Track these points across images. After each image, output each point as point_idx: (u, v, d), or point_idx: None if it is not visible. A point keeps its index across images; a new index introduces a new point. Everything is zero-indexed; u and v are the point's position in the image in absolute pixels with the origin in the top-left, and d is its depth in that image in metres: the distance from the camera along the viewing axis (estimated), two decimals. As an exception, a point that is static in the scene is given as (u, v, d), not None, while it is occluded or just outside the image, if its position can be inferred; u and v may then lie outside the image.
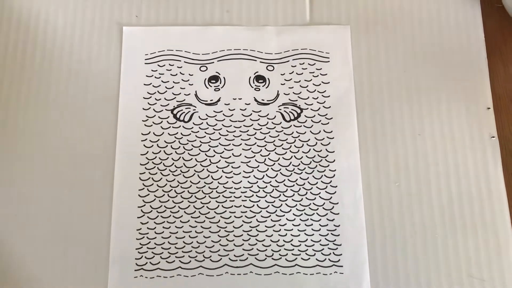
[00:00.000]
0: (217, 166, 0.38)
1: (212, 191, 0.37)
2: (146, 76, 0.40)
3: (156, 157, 0.38)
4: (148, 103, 0.39)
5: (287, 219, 0.37)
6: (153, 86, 0.40)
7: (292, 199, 0.38)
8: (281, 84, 0.40)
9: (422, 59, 0.41)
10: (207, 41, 0.41)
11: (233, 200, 0.37)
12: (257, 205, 0.38)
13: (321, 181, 0.38)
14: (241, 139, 0.38)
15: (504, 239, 0.37)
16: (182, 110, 0.39)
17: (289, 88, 0.40)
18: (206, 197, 0.37)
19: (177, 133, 0.39)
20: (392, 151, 0.39)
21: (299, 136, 0.39)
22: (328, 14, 0.42)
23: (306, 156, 0.38)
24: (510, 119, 0.40)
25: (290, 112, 0.39)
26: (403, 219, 0.37)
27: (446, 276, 0.37)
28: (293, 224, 0.37)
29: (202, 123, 0.39)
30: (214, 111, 0.39)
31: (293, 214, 0.37)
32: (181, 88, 0.40)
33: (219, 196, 0.37)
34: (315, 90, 0.40)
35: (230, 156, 0.38)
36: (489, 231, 0.38)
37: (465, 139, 0.39)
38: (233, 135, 0.38)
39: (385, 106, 0.40)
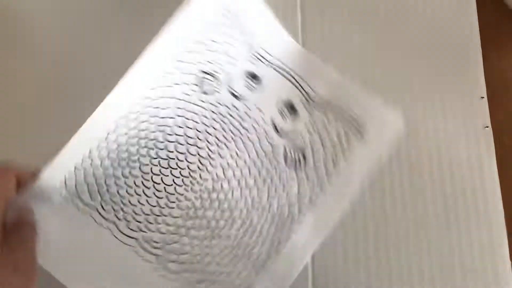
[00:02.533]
0: (197, 152, 0.36)
1: (177, 169, 0.35)
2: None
3: (157, 99, 0.36)
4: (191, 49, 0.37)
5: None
6: (212, 40, 0.37)
7: (240, 229, 0.36)
8: (305, 125, 0.38)
9: (415, 48, 0.40)
10: (277, 43, 0.39)
11: (187, 191, 0.35)
12: (205, 212, 0.35)
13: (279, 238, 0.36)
14: (236, 146, 0.37)
15: (497, 230, 0.37)
16: (208, 80, 0.37)
17: (309, 134, 0.37)
18: (167, 170, 0.35)
19: (189, 95, 0.37)
20: None
21: (286, 184, 0.37)
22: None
23: (280, 207, 0.36)
24: (504, 109, 0.40)
25: (294, 157, 0.37)
26: (395, 211, 0.38)
27: (439, 268, 0.37)
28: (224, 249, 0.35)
29: (217, 106, 0.37)
30: (233, 104, 0.37)
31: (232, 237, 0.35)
32: (223, 61, 0.38)
33: (179, 177, 0.35)
34: (331, 157, 0.37)
35: (215, 153, 0.36)
36: (483, 222, 0.38)
37: (458, 129, 0.39)
38: (232, 137, 0.37)
39: (377, 96, 0.39)
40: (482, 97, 0.39)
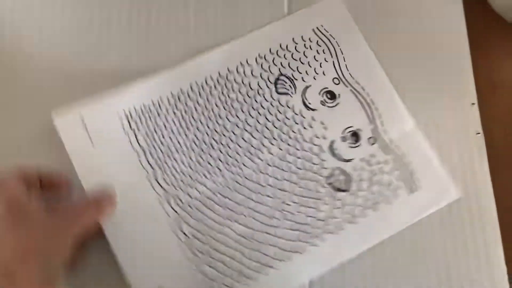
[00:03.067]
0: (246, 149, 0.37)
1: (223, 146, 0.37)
2: (301, 37, 0.40)
3: (231, 83, 0.39)
4: (277, 52, 0.40)
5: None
6: (295, 48, 0.40)
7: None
8: (362, 164, 0.38)
9: (404, 55, 0.39)
10: (364, 71, 0.40)
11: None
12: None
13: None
14: (295, 159, 0.37)
15: (492, 236, 0.37)
16: (285, 83, 0.39)
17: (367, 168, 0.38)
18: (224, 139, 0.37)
19: (262, 89, 0.39)
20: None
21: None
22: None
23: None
24: (495, 115, 0.39)
25: (341, 181, 0.37)
26: None
27: (435, 275, 0.36)
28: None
29: (284, 107, 0.38)
30: (301, 113, 0.38)
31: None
32: (306, 73, 0.39)
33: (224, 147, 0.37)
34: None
35: (264, 153, 0.37)
36: (477, 229, 0.37)
37: (450, 137, 0.38)
38: (287, 143, 0.38)
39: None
40: (473, 104, 0.39)
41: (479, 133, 0.39)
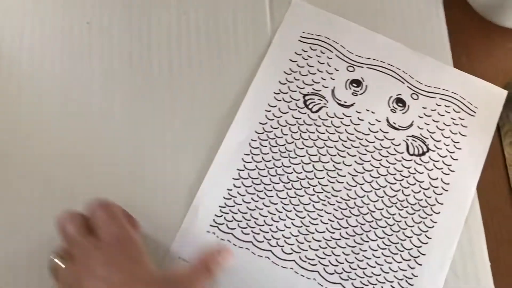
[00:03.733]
0: (324, 166, 0.38)
1: (310, 187, 0.38)
2: (295, 53, 0.40)
3: (272, 131, 0.38)
4: (286, 79, 0.39)
5: (369, 247, 0.36)
6: (297, 65, 0.39)
7: (383, 231, 0.37)
8: (419, 116, 0.39)
9: None
10: (365, 45, 0.40)
11: (326, 205, 0.37)
12: (347, 220, 0.37)
13: (418, 227, 0.37)
14: (358, 151, 0.38)
15: (475, 231, 0.37)
16: (314, 99, 0.39)
17: (425, 124, 0.39)
18: (302, 190, 0.37)
19: (300, 118, 0.38)
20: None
21: (415, 173, 0.38)
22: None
23: (414, 196, 0.37)
24: None
25: (416, 146, 0.39)
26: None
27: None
28: (373, 255, 0.36)
29: (328, 119, 0.38)
30: (343, 113, 0.39)
31: (378, 245, 0.36)
32: (322, 78, 0.39)
33: (314, 194, 0.38)
34: (449, 137, 0.39)
35: (340, 163, 0.38)
36: (463, 228, 0.37)
37: None
38: (352, 144, 0.38)
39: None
40: None
41: None
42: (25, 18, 0.42)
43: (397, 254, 0.36)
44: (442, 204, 0.37)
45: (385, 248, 0.37)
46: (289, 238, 0.37)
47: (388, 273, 0.36)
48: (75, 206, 0.32)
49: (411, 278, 0.36)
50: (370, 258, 0.36)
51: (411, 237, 0.37)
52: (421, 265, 0.36)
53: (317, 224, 0.37)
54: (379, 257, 0.36)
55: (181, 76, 0.41)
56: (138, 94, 0.40)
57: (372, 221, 0.37)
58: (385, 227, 0.37)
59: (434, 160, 0.38)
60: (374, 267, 0.36)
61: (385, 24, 0.42)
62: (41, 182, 0.38)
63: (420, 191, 0.38)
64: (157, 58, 0.41)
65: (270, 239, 0.36)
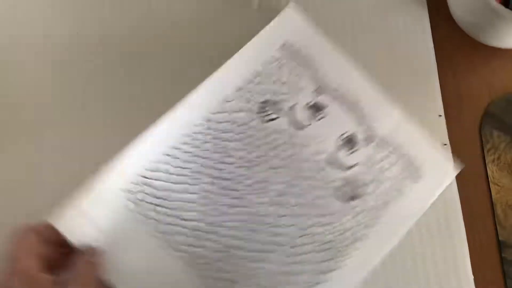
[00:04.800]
0: (253, 176, 0.37)
1: (233, 191, 0.37)
2: (272, 56, 0.39)
3: (221, 122, 0.38)
4: (254, 78, 0.39)
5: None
6: (269, 69, 0.39)
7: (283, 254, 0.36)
8: (363, 162, 0.38)
9: (372, 68, 0.39)
10: (341, 75, 0.39)
11: (240, 216, 0.36)
12: (253, 235, 0.36)
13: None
14: (290, 174, 0.38)
15: (459, 245, 0.38)
16: (269, 109, 0.39)
17: (366, 171, 0.38)
18: (223, 191, 0.37)
19: (251, 121, 0.38)
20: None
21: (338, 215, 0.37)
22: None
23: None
24: (461, 127, 0.41)
25: (347, 190, 0.38)
26: None
27: (405, 284, 0.38)
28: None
29: (274, 133, 0.38)
30: (291, 133, 0.38)
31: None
32: (286, 91, 0.39)
33: (235, 199, 0.37)
34: (386, 192, 0.38)
35: (268, 181, 0.37)
36: (445, 239, 0.38)
37: None
38: (287, 165, 0.38)
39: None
40: (440, 115, 0.40)
41: (445, 144, 0.40)
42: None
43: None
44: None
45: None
46: (191, 231, 0.35)
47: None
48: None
49: None
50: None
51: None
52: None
53: (222, 227, 0.36)
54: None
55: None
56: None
57: (277, 243, 0.36)
58: (289, 253, 0.35)
59: (360, 208, 0.37)
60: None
61: (371, 40, 0.42)
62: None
63: (335, 235, 0.36)
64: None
65: (172, 224, 0.35)
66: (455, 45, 0.43)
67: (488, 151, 0.40)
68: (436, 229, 0.39)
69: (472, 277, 0.37)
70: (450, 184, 0.38)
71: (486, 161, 0.40)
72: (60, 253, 0.33)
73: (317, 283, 0.35)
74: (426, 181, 0.37)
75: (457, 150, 0.40)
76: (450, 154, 0.39)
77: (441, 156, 0.38)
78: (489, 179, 0.39)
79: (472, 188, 0.39)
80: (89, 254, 0.33)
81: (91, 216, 0.34)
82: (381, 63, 0.42)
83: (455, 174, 0.37)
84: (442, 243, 0.38)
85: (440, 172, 0.37)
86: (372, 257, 0.36)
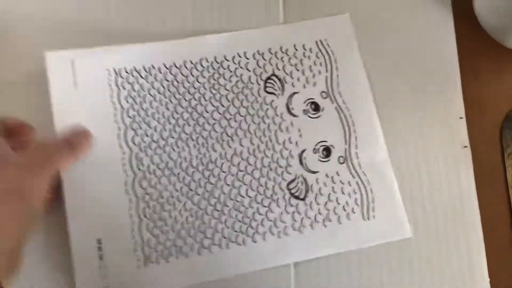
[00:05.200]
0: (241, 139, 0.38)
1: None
2: (303, 45, 0.40)
3: (225, 84, 0.39)
4: (278, 49, 0.40)
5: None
6: (295, 49, 0.40)
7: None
8: (325, 179, 0.38)
9: (394, 69, 0.41)
10: (352, 89, 0.40)
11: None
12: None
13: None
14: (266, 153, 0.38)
15: (476, 248, 0.38)
16: (274, 85, 0.39)
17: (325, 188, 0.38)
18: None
19: (254, 89, 0.39)
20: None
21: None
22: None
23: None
24: (482, 129, 0.40)
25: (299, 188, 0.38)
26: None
27: (419, 283, 0.37)
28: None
29: (269, 107, 0.39)
30: (282, 115, 0.39)
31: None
32: (300, 78, 0.39)
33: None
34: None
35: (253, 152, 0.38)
36: (461, 241, 0.38)
37: (437, 149, 0.39)
38: (265, 143, 0.38)
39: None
40: (461, 118, 0.40)
41: (466, 147, 0.40)
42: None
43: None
44: None
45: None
46: (150, 138, 0.37)
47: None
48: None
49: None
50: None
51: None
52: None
53: (173, 162, 0.37)
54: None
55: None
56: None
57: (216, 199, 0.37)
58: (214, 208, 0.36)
59: (301, 210, 0.37)
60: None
61: (395, 39, 0.42)
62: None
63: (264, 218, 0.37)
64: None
65: (136, 122, 0.37)
66: (479, 48, 0.42)
67: (508, 155, 0.39)
68: (453, 231, 0.38)
69: (488, 279, 0.37)
70: (469, 186, 0.39)
71: (506, 165, 0.39)
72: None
73: (220, 246, 0.35)
74: (374, 225, 0.37)
75: (477, 152, 0.40)
76: (470, 157, 0.40)
77: (402, 213, 0.37)
78: (508, 183, 0.39)
79: (491, 192, 0.39)
80: (74, 133, 0.33)
81: (75, 70, 0.36)
82: (404, 63, 0.42)
83: (407, 237, 0.37)
84: (459, 244, 0.38)
85: (392, 226, 0.37)
86: (277, 256, 0.36)
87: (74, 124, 0.35)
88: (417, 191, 0.38)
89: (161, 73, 0.38)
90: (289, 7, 0.41)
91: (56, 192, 0.34)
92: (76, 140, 0.33)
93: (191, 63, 0.38)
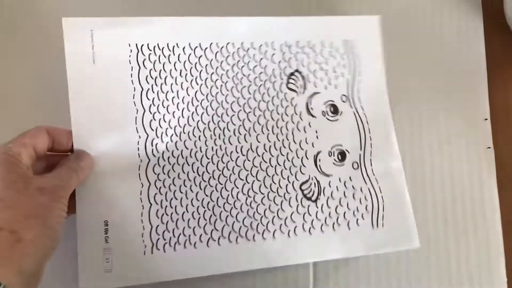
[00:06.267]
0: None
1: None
2: (331, 43, 0.40)
3: (251, 84, 0.38)
4: (306, 43, 0.39)
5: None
6: (332, 47, 0.40)
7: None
8: (338, 183, 0.38)
9: (423, 68, 0.42)
10: (372, 97, 0.40)
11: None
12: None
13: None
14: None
15: (495, 248, 0.39)
16: (296, 81, 0.39)
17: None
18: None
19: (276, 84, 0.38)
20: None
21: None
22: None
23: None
24: (506, 131, 0.42)
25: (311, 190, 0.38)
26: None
27: (438, 282, 0.38)
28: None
29: (288, 104, 0.38)
30: (301, 115, 0.38)
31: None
32: (330, 77, 0.39)
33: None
34: None
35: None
36: (481, 240, 0.39)
37: (461, 149, 0.40)
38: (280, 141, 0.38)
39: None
40: (486, 119, 0.41)
41: (489, 148, 0.41)
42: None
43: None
44: None
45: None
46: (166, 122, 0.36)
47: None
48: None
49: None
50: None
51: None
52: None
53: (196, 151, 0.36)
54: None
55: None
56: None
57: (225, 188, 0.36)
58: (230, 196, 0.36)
59: (312, 211, 0.37)
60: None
61: (425, 40, 0.43)
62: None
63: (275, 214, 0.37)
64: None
65: (155, 105, 0.36)
66: (507, 52, 0.43)
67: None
68: (472, 231, 0.39)
69: (505, 279, 0.38)
70: (490, 186, 0.40)
71: (528, 168, 0.40)
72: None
73: (229, 240, 0.35)
74: (382, 233, 0.37)
75: (500, 154, 0.41)
76: (493, 157, 0.41)
77: (412, 224, 0.37)
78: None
79: (511, 193, 0.40)
80: (74, 159, 0.33)
81: (94, 42, 0.34)
82: (433, 63, 0.42)
83: (415, 247, 0.36)
84: (478, 244, 0.39)
85: (400, 236, 0.37)
86: (285, 255, 0.35)
87: (86, 103, 0.34)
88: (439, 189, 0.40)
89: (185, 54, 0.36)
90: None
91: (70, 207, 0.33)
92: (82, 167, 0.33)
93: (217, 46, 0.37)
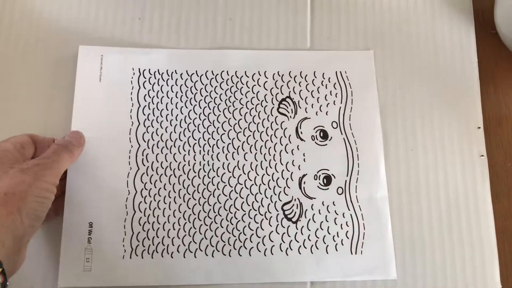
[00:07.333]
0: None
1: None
2: (322, 74, 0.41)
3: (243, 107, 0.40)
4: (298, 73, 0.41)
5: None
6: (323, 78, 0.41)
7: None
8: (321, 206, 0.38)
9: (417, 78, 0.42)
10: (363, 124, 0.40)
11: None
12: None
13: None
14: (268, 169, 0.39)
15: (489, 256, 0.38)
16: (287, 107, 0.40)
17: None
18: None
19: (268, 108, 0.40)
20: (384, 165, 0.39)
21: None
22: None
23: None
24: (498, 140, 0.42)
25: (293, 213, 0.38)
26: (392, 233, 0.38)
27: None
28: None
29: (278, 128, 0.40)
30: (290, 139, 0.39)
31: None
32: (321, 104, 0.41)
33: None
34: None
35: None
36: (476, 248, 0.39)
37: (455, 157, 0.40)
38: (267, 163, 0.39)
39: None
40: (479, 127, 0.41)
41: (482, 156, 0.41)
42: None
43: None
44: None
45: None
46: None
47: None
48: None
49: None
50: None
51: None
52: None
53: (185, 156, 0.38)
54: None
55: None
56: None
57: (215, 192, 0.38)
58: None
59: (291, 232, 0.37)
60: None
61: (417, 48, 0.43)
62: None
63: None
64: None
65: (149, 120, 0.39)
66: (498, 61, 0.44)
67: (524, 166, 0.39)
68: (466, 238, 0.39)
69: (500, 286, 0.38)
70: (484, 194, 0.40)
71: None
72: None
73: (205, 253, 0.36)
74: (360, 261, 0.36)
75: (493, 162, 0.41)
76: (487, 165, 0.41)
77: (391, 255, 0.37)
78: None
79: (506, 201, 0.40)
80: (63, 138, 0.35)
81: (103, 64, 0.39)
82: (427, 73, 0.43)
83: (392, 279, 0.37)
84: (472, 252, 0.39)
85: (378, 266, 0.37)
86: (260, 273, 0.36)
87: (88, 117, 0.38)
88: (433, 197, 0.39)
89: (182, 78, 0.39)
90: (316, 36, 0.43)
91: (62, 189, 0.35)
92: (72, 141, 0.35)
93: (212, 73, 0.40)
